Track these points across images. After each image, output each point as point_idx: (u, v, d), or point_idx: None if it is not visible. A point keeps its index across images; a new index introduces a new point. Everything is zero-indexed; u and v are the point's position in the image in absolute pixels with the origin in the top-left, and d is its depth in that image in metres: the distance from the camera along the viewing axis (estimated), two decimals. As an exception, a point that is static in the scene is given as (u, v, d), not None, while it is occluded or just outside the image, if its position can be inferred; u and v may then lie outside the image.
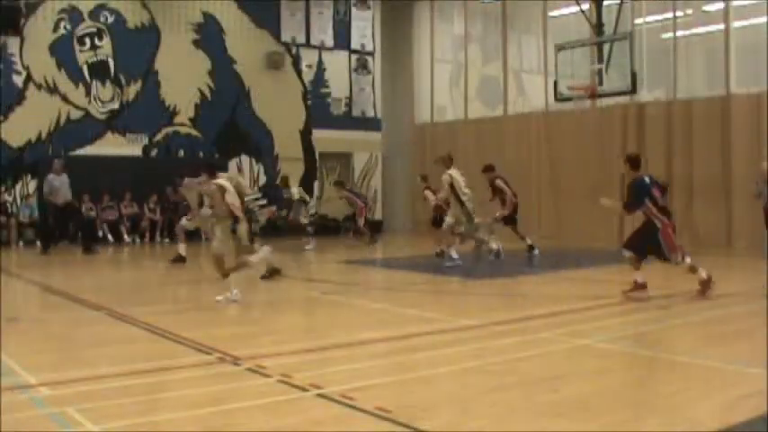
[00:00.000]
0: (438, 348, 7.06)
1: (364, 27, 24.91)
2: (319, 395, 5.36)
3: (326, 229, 22.08)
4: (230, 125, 22.32)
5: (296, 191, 19.19)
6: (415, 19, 25.00)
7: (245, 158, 22.49)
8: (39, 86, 19.92)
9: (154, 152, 21.20)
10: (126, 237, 20.42)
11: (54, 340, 7.87)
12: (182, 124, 21.63)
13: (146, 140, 21.13)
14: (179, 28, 21.66)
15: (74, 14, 20.39)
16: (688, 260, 9.77)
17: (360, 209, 19.64)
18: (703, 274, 9.63)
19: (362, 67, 24.83)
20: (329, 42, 24.16)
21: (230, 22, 22.49)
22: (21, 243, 18.95)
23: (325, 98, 24.11)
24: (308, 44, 23.76)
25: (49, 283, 12.22)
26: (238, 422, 4.88)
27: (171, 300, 10.87)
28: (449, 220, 14.17)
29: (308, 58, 23.83)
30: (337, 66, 24.31)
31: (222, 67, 22.22)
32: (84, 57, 20.49)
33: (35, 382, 5.84)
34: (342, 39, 24.43)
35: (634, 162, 9.95)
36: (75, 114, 20.31)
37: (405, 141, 24.64)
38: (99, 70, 20.63)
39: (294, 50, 23.52)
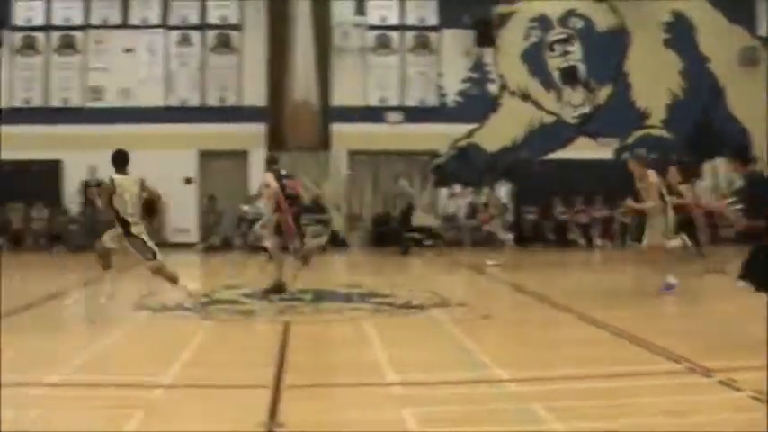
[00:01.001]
0: None
1: None
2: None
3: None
4: (703, 126, 20.99)
5: None
6: None
7: (719, 161, 20.94)
8: (512, 93, 20.44)
9: (625, 155, 20.64)
10: (597, 240, 20.14)
11: (523, 338, 8.25)
12: (653, 126, 20.82)
13: (617, 144, 20.65)
14: (648, 28, 20.92)
15: (544, 22, 20.67)
16: None
17: None
18: None
19: None
20: (810, 34, 21.89)
21: (701, 18, 21.20)
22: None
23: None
24: (786, 37, 21.74)
25: (522, 283, 12.49)
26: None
27: (640, 305, 10.35)
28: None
29: (787, 52, 21.75)
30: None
31: (694, 65, 21.02)
32: (554, 63, 20.66)
33: (506, 377, 6.10)
34: (825, 29, 21.98)
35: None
36: (547, 119, 20.50)
37: None
38: (569, 75, 20.66)
39: (771, 45, 21.63)
